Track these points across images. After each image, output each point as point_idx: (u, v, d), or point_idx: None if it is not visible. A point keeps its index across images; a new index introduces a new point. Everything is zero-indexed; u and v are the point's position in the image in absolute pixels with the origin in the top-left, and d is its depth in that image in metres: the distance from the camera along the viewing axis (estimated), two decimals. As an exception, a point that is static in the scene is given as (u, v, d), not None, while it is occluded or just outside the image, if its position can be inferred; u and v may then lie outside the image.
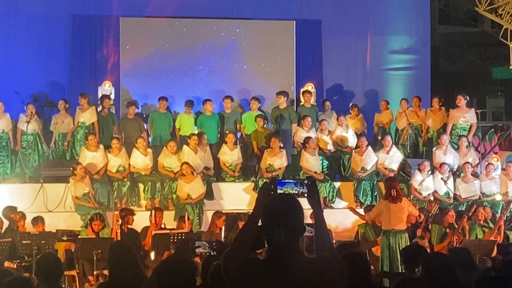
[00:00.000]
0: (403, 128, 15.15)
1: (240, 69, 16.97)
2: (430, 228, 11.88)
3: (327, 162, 14.46)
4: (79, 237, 11.41)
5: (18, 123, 14.30)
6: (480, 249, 10.91)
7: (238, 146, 14.50)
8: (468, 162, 13.88)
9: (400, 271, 10.05)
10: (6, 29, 16.24)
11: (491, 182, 13.85)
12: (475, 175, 14.05)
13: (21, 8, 16.27)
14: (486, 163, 14.30)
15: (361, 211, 12.58)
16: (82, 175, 13.01)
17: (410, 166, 14.13)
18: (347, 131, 14.89)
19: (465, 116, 14.84)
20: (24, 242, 10.63)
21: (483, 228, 12.17)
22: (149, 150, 13.97)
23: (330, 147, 14.69)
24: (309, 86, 16.23)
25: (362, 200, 13.81)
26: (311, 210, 3.84)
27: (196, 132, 14.56)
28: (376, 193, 13.93)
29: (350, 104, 16.19)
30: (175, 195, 13.45)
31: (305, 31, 17.27)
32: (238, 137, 14.90)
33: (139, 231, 11.72)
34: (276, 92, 15.40)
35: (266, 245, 3.65)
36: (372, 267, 9.51)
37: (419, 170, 13.61)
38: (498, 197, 13.67)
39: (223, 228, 11.92)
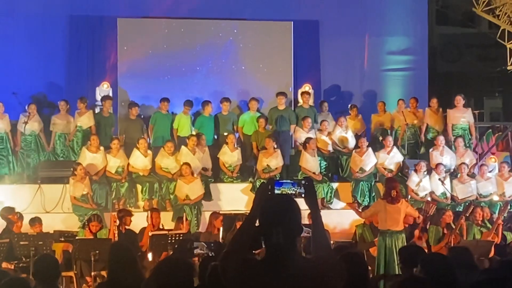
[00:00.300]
0: (400, 128, 15.16)
1: (238, 70, 16.97)
2: (427, 228, 11.89)
3: (325, 163, 14.48)
4: (76, 238, 11.41)
5: (17, 124, 14.30)
6: (478, 250, 10.91)
7: (238, 148, 14.51)
8: (464, 163, 13.89)
9: (396, 271, 10.06)
10: (4, 30, 16.22)
11: (487, 183, 13.86)
12: (472, 175, 14.05)
13: (19, 8, 16.26)
14: (481, 164, 14.30)
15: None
16: (82, 176, 13.02)
17: (408, 167, 14.14)
18: (347, 132, 14.91)
19: (464, 116, 14.89)
20: (21, 243, 10.62)
21: (481, 229, 12.18)
22: (149, 151, 13.96)
23: (330, 148, 14.69)
24: (307, 87, 16.24)
25: (360, 201, 13.82)
26: (309, 211, 3.84)
27: (194, 133, 14.58)
28: (374, 194, 13.96)
29: (349, 105, 16.17)
30: (173, 195, 13.47)
31: (302, 32, 17.27)
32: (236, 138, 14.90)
33: (137, 232, 11.72)
34: (276, 92, 15.43)
35: (263, 246, 3.65)
36: (369, 268, 9.53)
37: (415, 171, 13.62)
38: (495, 198, 13.68)
39: (221, 228, 11.93)
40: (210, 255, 9.74)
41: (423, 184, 13.51)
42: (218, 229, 11.96)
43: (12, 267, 10.32)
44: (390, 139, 14.39)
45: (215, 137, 15.12)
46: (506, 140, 16.43)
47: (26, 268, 10.04)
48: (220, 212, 12.53)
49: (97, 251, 10.40)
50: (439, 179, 13.50)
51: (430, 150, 14.48)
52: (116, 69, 16.45)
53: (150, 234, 11.18)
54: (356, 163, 14.14)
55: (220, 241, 11.32)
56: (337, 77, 17.52)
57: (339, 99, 17.34)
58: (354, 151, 14.41)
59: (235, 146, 14.44)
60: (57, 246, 11.14)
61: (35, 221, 11.64)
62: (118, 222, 11.36)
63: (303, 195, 3.84)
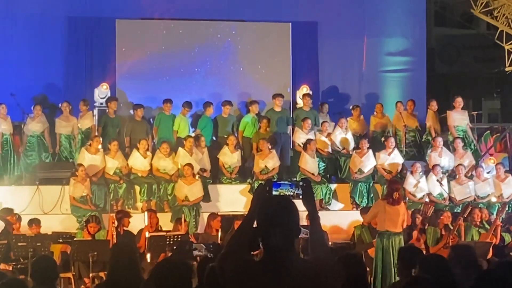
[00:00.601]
0: (400, 130, 15.17)
1: (236, 71, 16.96)
2: (425, 230, 11.89)
3: (323, 164, 14.48)
4: (75, 239, 11.40)
5: (24, 126, 14.37)
6: (476, 251, 10.90)
7: (239, 149, 14.51)
8: (461, 164, 13.90)
9: (393, 273, 10.06)
10: (2, 31, 16.21)
11: (485, 184, 13.87)
12: (470, 177, 14.05)
13: (17, 9, 16.24)
14: (476, 166, 14.30)
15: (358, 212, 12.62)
16: (83, 177, 13.02)
17: (406, 168, 14.14)
18: (346, 133, 14.91)
19: (465, 118, 14.93)
20: (19, 244, 10.62)
21: (479, 230, 12.18)
22: (149, 153, 13.96)
23: (329, 149, 14.69)
24: (305, 88, 16.25)
25: (358, 202, 13.83)
26: (307, 212, 3.85)
27: (192, 134, 14.59)
28: (372, 195, 13.97)
29: (352, 106, 16.12)
30: (171, 196, 13.47)
31: (301, 33, 17.26)
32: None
33: (135, 233, 11.71)
34: (273, 94, 15.43)
35: (261, 247, 3.65)
36: (367, 269, 9.53)
37: (411, 172, 13.62)
38: (493, 199, 13.69)
39: (219, 230, 11.93)
40: (209, 256, 9.75)
41: (420, 185, 13.52)
42: (216, 230, 11.96)
43: (10, 269, 10.32)
44: (392, 141, 14.39)
45: (214, 138, 15.12)
46: (504, 141, 16.44)
47: (24, 270, 10.03)
48: (219, 213, 12.53)
49: (95, 253, 10.40)
50: (437, 180, 13.51)
51: (429, 151, 14.49)
52: (114, 71, 16.44)
53: (148, 235, 11.18)
54: (355, 164, 14.15)
55: (218, 242, 11.31)
56: (335, 78, 17.52)
57: (337, 101, 17.33)
58: (354, 151, 14.43)
59: (236, 148, 14.43)
60: (55, 248, 11.14)
61: (33, 222, 11.64)
62: (116, 223, 11.36)
63: (300, 197, 3.84)
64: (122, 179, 13.62)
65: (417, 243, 11.13)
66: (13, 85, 15.51)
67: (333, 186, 14.29)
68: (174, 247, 10.68)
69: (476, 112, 17.70)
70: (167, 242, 10.83)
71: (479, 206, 13.14)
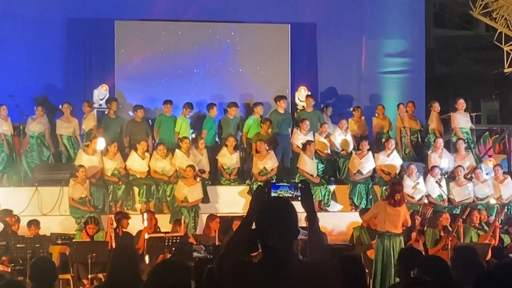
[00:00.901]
0: (404, 132, 15.17)
1: (235, 72, 16.98)
2: (424, 231, 11.89)
3: (322, 166, 14.47)
4: (73, 240, 11.39)
5: (25, 127, 14.39)
6: (475, 252, 10.91)
7: (237, 150, 14.50)
8: (460, 166, 13.90)
9: (393, 274, 10.06)
10: (1, 32, 16.21)
11: (484, 185, 13.86)
12: (469, 178, 14.05)
13: (16, 11, 16.25)
14: (475, 167, 14.30)
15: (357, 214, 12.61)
16: (83, 178, 13.01)
17: (405, 170, 14.13)
18: (346, 135, 14.91)
19: (468, 120, 14.94)
20: (18, 245, 10.61)
21: (478, 231, 12.18)
22: (147, 154, 13.97)
23: (328, 150, 14.69)
24: (302, 90, 16.25)
25: (357, 203, 13.83)
26: (306, 213, 3.85)
27: (193, 135, 14.61)
28: (371, 196, 13.96)
29: (352, 108, 16.12)
30: (170, 197, 13.47)
31: (300, 35, 17.28)
32: (239, 141, 14.90)
33: (134, 235, 11.71)
34: (276, 96, 15.44)
35: (260, 248, 3.65)
36: (366, 270, 9.53)
37: (408, 175, 13.60)
38: (492, 201, 13.68)
39: (218, 231, 11.93)
40: (209, 257, 9.74)
41: (419, 186, 13.52)
42: (215, 232, 11.96)
43: (9, 270, 10.30)
44: (392, 142, 14.38)
45: (217, 140, 15.11)
46: (503, 142, 16.45)
47: (23, 271, 10.03)
48: (217, 215, 12.52)
49: (94, 254, 10.40)
50: (436, 181, 13.51)
51: (429, 152, 14.49)
52: (113, 72, 16.45)
53: (147, 237, 11.17)
54: (354, 165, 14.14)
55: (217, 243, 11.31)
56: (334, 79, 17.52)
57: (336, 102, 17.34)
58: (354, 152, 14.42)
59: (235, 149, 14.42)
60: (54, 249, 11.13)
61: (32, 223, 11.64)
62: (115, 224, 11.36)
63: (299, 198, 3.85)
64: (121, 180, 13.62)
65: (415, 244, 11.13)
66: (12, 86, 15.52)
67: (332, 188, 14.28)
68: (173, 249, 10.67)
69: (475, 114, 17.71)
70: (166, 244, 10.83)
71: (478, 207, 13.14)
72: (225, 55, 16.90)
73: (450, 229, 11.68)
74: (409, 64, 17.93)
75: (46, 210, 13.22)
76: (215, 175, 14.39)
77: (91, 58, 16.66)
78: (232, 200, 13.84)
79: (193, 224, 12.91)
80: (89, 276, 10.48)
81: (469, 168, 14.25)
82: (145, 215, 11.85)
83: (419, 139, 15.34)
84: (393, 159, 14.23)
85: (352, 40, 17.51)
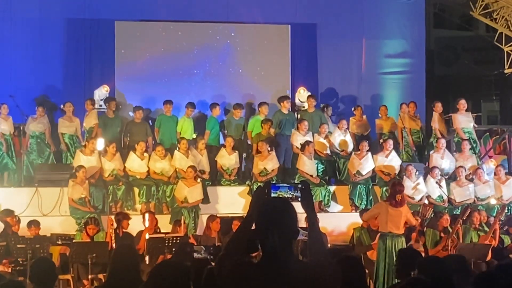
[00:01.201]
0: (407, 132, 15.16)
1: (235, 73, 16.97)
2: (424, 232, 11.89)
3: (322, 166, 14.46)
4: (74, 241, 11.39)
5: (25, 126, 14.40)
6: (475, 253, 10.93)
7: (236, 151, 14.50)
8: (462, 166, 13.89)
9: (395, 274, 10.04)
10: (1, 33, 16.21)
11: (485, 186, 13.85)
12: (471, 179, 14.03)
13: (16, 12, 16.24)
14: (477, 168, 14.30)
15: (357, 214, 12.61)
16: (83, 179, 13.01)
17: (404, 170, 14.12)
18: (346, 135, 14.91)
19: (471, 120, 14.95)
20: (18, 246, 10.61)
21: (478, 232, 12.17)
22: (146, 154, 13.97)
23: (328, 150, 14.68)
24: (301, 90, 16.25)
25: (357, 204, 13.82)
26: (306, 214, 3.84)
27: (194, 135, 14.61)
28: (371, 197, 13.96)
29: (354, 107, 16.10)
30: (169, 198, 13.47)
31: (300, 35, 17.28)
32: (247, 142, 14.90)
33: (134, 235, 11.71)
34: (280, 97, 15.43)
35: (259, 249, 3.65)
36: (367, 271, 9.53)
37: (407, 176, 13.58)
38: (493, 201, 13.67)
39: (218, 231, 11.93)
40: (208, 258, 9.73)
41: (419, 187, 13.51)
42: (216, 232, 11.96)
43: (9, 270, 10.31)
44: (390, 143, 14.37)
45: (222, 142, 15.10)
46: (503, 143, 16.44)
47: (23, 271, 10.03)
48: (217, 215, 12.52)
49: (94, 254, 10.39)
50: (436, 182, 13.50)
51: (431, 152, 14.47)
52: (113, 72, 16.45)
53: (147, 237, 11.17)
54: (353, 166, 14.14)
55: (217, 244, 11.31)
56: (334, 80, 17.51)
57: (336, 103, 17.34)
58: (353, 153, 14.41)
59: (233, 149, 14.42)
60: (54, 249, 11.14)
61: (33, 224, 11.64)
62: (115, 225, 11.36)
63: (299, 199, 3.84)
64: (121, 181, 13.61)
65: (416, 245, 11.13)
66: (13, 87, 15.51)
67: (332, 188, 14.28)
68: (174, 249, 10.67)
69: (475, 114, 17.72)
70: (166, 244, 10.82)
71: (478, 208, 13.12)
72: (225, 55, 16.90)
73: (450, 230, 11.68)
74: (409, 64, 17.92)
75: (46, 211, 13.22)
76: (215, 176, 14.39)
77: (91, 59, 16.66)
78: (232, 201, 13.84)
79: (193, 225, 12.92)
80: (89, 276, 10.48)
81: (471, 169, 14.24)
82: (146, 215, 11.84)
83: (421, 140, 15.30)
84: (392, 160, 14.23)
85: (352, 40, 17.51)
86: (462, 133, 14.78)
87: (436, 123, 15.06)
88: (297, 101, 16.35)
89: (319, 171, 14.30)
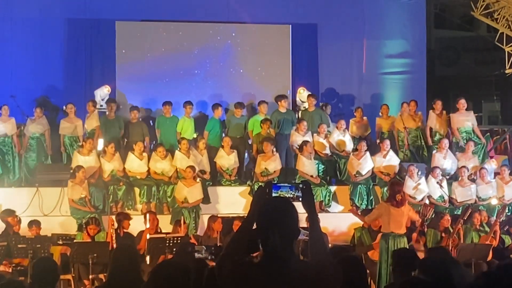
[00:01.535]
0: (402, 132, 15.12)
1: (236, 73, 16.98)
2: (425, 232, 11.88)
3: (323, 166, 14.45)
4: (74, 241, 11.38)
5: (24, 127, 14.39)
6: (476, 253, 10.93)
7: (235, 150, 14.49)
8: (464, 166, 13.88)
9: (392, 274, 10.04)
10: (1, 33, 16.22)
11: (488, 186, 13.83)
12: (473, 180, 14.01)
13: (16, 12, 16.25)
14: (480, 168, 14.28)
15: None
16: (82, 179, 13.00)
17: (405, 170, 14.12)
18: (344, 135, 14.89)
19: (468, 120, 14.89)
20: (19, 246, 10.61)
21: (479, 232, 12.17)
22: (144, 154, 13.97)
23: (327, 151, 14.67)
24: (301, 90, 16.24)
25: (358, 204, 13.80)
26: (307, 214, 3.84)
27: (194, 135, 14.61)
28: (372, 197, 13.94)
29: (354, 107, 16.08)
30: (170, 198, 13.47)
31: (301, 35, 17.29)
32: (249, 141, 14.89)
33: (135, 235, 11.71)
34: (277, 96, 15.41)
35: (260, 248, 3.65)
36: (367, 271, 9.52)
37: (409, 176, 13.57)
38: (494, 201, 13.66)
39: (220, 232, 11.93)
40: (209, 258, 9.74)
41: (420, 186, 13.50)
42: (217, 232, 11.96)
43: (10, 270, 10.31)
44: (387, 143, 14.36)
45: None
46: (504, 143, 16.44)
47: (24, 271, 10.04)
48: (218, 215, 12.52)
49: (95, 254, 10.39)
50: (437, 182, 13.50)
51: (434, 151, 14.45)
52: (114, 72, 16.46)
53: (148, 237, 11.17)
54: (353, 166, 14.13)
55: (219, 244, 11.31)
56: (335, 80, 17.52)
57: (337, 102, 17.35)
58: (352, 153, 14.40)
59: (231, 149, 14.41)
60: (55, 249, 11.14)
61: (33, 224, 11.64)
62: (116, 225, 11.35)
63: (300, 199, 3.84)
64: (122, 181, 13.61)
65: (416, 245, 11.13)
66: (13, 87, 15.52)
67: (333, 188, 14.27)
68: (174, 249, 10.66)
69: (476, 114, 17.71)
70: (167, 244, 10.82)
71: (479, 208, 13.11)
72: (226, 55, 16.90)
73: (451, 230, 11.67)
74: (410, 65, 17.92)
75: (47, 211, 13.23)
76: (216, 176, 14.39)
77: (92, 59, 16.67)
78: (233, 201, 13.84)
79: (193, 225, 12.91)
80: (90, 276, 10.48)
81: (473, 169, 14.23)
82: (148, 215, 11.85)
83: (420, 140, 15.24)
84: (390, 160, 14.21)
85: (353, 41, 17.52)
86: (457, 134, 14.74)
87: (432, 123, 14.93)
88: (297, 101, 16.35)
89: (320, 171, 14.29)
